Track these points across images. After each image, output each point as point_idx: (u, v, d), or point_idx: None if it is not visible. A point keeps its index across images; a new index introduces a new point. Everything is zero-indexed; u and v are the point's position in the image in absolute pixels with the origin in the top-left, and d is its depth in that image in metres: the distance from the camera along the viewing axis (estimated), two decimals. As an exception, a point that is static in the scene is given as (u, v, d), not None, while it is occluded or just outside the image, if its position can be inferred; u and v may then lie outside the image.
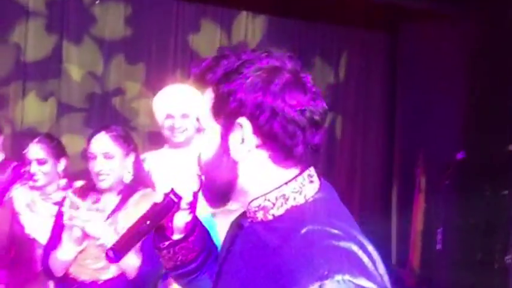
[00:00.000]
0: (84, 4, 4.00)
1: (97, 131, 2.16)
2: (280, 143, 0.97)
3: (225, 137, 0.99)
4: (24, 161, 2.50)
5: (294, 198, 0.99)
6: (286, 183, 0.99)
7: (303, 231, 0.92)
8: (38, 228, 2.34)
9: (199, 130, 1.06)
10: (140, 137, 3.99)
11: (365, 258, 0.90)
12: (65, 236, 2.00)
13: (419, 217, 4.63)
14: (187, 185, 1.11)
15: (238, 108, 0.96)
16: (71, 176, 2.61)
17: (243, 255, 1.01)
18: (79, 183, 2.34)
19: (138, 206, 2.04)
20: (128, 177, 2.15)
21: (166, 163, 2.48)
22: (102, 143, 2.11)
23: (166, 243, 1.15)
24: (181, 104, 2.46)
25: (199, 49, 4.33)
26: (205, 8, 4.34)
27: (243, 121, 0.96)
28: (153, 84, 4.00)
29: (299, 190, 0.99)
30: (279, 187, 0.99)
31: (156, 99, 2.59)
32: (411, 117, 4.80)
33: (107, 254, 1.07)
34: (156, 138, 3.96)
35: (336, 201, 1.04)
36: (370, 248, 0.93)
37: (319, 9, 4.43)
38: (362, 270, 0.88)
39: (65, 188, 2.44)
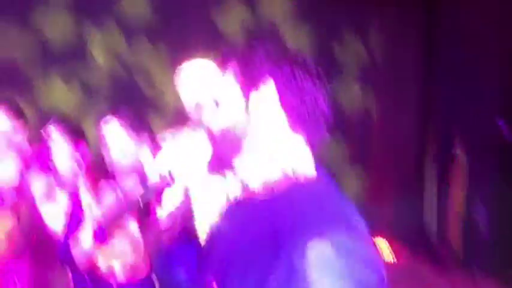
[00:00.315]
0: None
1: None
2: (295, 112, 1.04)
3: (247, 95, 1.05)
4: (42, 145, 2.45)
5: (297, 174, 1.05)
6: (291, 157, 1.05)
7: (300, 199, 0.98)
8: (54, 217, 2.29)
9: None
10: (168, 116, 3.93)
11: (359, 225, 0.97)
12: (83, 228, 1.94)
13: (458, 196, 4.43)
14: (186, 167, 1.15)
15: (267, 73, 1.04)
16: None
17: (236, 227, 1.07)
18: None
19: None
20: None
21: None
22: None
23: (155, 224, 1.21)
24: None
25: (222, 26, 4.19)
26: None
27: (270, 84, 1.03)
28: (177, 63, 3.93)
29: (302, 166, 1.05)
30: (284, 161, 1.05)
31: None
32: (448, 93, 4.56)
33: (94, 232, 1.02)
34: (184, 118, 3.92)
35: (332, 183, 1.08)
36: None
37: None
38: (358, 233, 0.95)
39: (83, 175, 2.37)
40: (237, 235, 1.06)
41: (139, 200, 1.09)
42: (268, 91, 1.04)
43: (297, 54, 1.08)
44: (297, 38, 4.40)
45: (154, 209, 1.20)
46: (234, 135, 1.06)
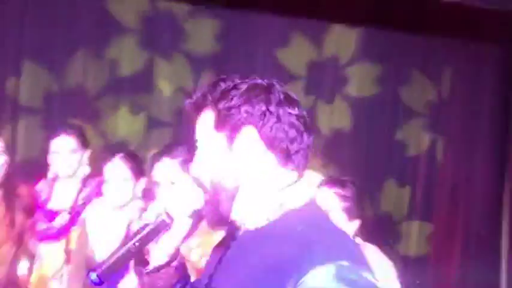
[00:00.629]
0: (176, 20, 4.04)
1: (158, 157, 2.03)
2: (282, 148, 1.06)
3: (230, 146, 1.06)
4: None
5: (290, 203, 1.06)
6: (283, 188, 1.07)
7: (299, 228, 1.00)
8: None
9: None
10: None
11: (360, 251, 1.03)
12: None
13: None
14: (183, 206, 1.15)
15: (244, 118, 1.05)
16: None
17: (237, 260, 1.06)
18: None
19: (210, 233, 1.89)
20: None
21: None
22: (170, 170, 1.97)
23: (150, 267, 1.16)
24: None
25: (287, 63, 4.20)
26: (295, 21, 4.20)
27: (251, 130, 1.05)
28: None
29: (295, 196, 1.07)
30: (277, 192, 1.07)
31: None
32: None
33: (88, 276, 1.01)
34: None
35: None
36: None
37: (419, 19, 4.09)
38: (360, 260, 0.98)
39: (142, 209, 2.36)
40: (238, 268, 1.05)
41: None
42: (250, 133, 1.06)
43: (272, 86, 1.09)
44: (363, 79, 4.32)
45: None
46: (225, 186, 1.07)
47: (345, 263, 0.93)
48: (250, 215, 1.08)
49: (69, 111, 3.79)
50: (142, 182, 2.44)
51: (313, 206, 1.11)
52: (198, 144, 1.11)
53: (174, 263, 1.18)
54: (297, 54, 4.22)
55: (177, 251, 1.18)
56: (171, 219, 1.13)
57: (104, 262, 1.04)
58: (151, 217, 1.12)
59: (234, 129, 1.06)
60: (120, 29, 3.95)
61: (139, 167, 2.48)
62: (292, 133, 1.07)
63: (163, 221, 1.12)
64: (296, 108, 1.09)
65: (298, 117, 1.08)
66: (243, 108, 1.05)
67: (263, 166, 1.06)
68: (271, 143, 1.06)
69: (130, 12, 3.97)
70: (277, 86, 1.09)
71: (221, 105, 1.06)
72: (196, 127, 1.12)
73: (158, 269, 1.15)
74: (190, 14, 4.04)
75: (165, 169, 1.97)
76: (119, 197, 2.39)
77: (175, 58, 4.03)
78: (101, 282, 1.02)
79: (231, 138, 1.06)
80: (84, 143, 2.79)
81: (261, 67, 4.14)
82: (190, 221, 1.15)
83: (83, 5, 3.89)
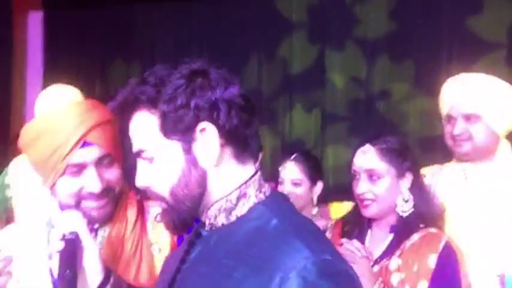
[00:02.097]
0: (345, 6, 3.77)
1: (362, 143, 1.69)
2: (239, 136, 0.96)
3: (188, 151, 0.95)
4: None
5: (256, 196, 0.98)
6: (246, 182, 0.98)
7: (272, 223, 0.93)
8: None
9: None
10: (411, 145, 3.44)
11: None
12: None
13: None
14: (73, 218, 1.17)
15: (196, 115, 0.93)
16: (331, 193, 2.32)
17: (206, 259, 0.97)
18: (336, 206, 2.08)
19: (418, 252, 1.53)
20: (403, 207, 1.61)
21: (454, 180, 1.87)
22: (368, 158, 1.64)
23: None
24: (467, 100, 1.81)
25: (482, 34, 3.47)
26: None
27: (207, 125, 0.94)
28: (424, 83, 3.44)
29: (258, 187, 0.99)
30: (239, 186, 0.98)
31: (441, 94, 1.94)
32: None
33: None
34: (431, 146, 3.37)
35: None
36: None
37: None
38: (336, 252, 0.93)
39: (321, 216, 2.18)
40: (207, 271, 0.95)
41: None
42: (208, 130, 0.94)
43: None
44: None
45: None
46: (184, 192, 0.98)
47: (327, 257, 0.87)
48: (215, 214, 0.98)
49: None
50: (319, 186, 2.20)
51: (277, 195, 1.02)
52: (143, 154, 0.98)
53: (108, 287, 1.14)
54: (493, 20, 3.46)
55: (107, 271, 1.15)
56: (74, 233, 1.13)
57: None
58: (56, 244, 1.11)
59: (188, 131, 0.94)
60: (290, 26, 3.88)
61: (314, 169, 2.25)
62: (245, 117, 0.96)
63: (68, 239, 1.11)
64: (237, 87, 0.97)
65: (243, 96, 0.96)
66: (192, 104, 0.93)
67: (224, 162, 0.96)
68: (230, 134, 0.95)
69: (298, 7, 3.87)
70: (212, 68, 0.97)
71: (164, 107, 0.93)
72: (131, 134, 1.00)
73: None
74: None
75: (366, 157, 1.67)
76: (295, 202, 2.22)
77: (346, 47, 3.76)
78: None
79: (186, 142, 0.95)
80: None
81: (448, 39, 3.54)
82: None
83: (254, 8, 3.95)
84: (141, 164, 0.99)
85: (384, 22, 3.68)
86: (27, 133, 1.36)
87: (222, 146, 0.95)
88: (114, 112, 1.01)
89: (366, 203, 1.60)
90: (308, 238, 0.89)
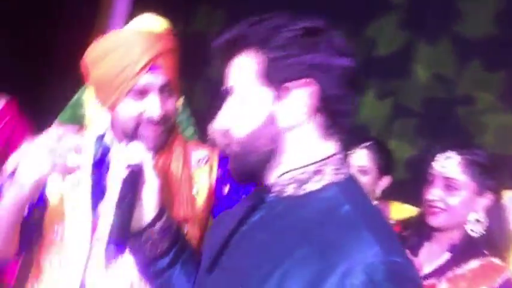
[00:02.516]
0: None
1: (444, 148, 1.62)
2: (333, 109, 0.91)
3: (277, 102, 0.91)
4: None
5: (333, 175, 0.94)
6: (325, 158, 0.94)
7: (345, 208, 0.88)
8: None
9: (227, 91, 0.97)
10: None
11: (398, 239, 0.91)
12: None
13: None
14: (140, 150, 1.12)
15: (304, 70, 0.89)
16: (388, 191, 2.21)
17: (267, 227, 0.93)
18: (397, 206, 1.98)
19: (473, 281, 1.43)
20: (474, 227, 1.51)
21: None
22: (450, 165, 1.56)
23: (134, 229, 1.09)
24: None
25: None
26: None
27: (307, 83, 0.89)
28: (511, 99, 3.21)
29: (337, 168, 0.94)
30: (318, 161, 0.94)
31: None
32: None
33: (107, 251, 0.98)
34: (503, 164, 3.15)
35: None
36: None
37: None
38: (405, 253, 0.87)
39: None
40: (267, 242, 0.91)
41: None
42: (311, 90, 0.90)
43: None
44: None
45: None
46: (268, 129, 0.95)
47: (398, 259, 0.82)
48: (285, 183, 0.94)
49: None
50: (386, 181, 2.10)
51: (353, 180, 0.97)
52: (231, 93, 0.96)
53: (159, 224, 1.11)
54: None
55: (162, 208, 1.13)
56: (139, 166, 1.12)
57: (112, 229, 1.01)
58: (120, 172, 1.10)
59: (285, 84, 0.90)
60: (386, 7, 3.67)
61: (385, 162, 2.13)
62: (347, 91, 0.92)
63: (134, 170, 1.11)
64: (351, 59, 0.93)
65: (352, 70, 0.93)
66: (303, 58, 0.88)
67: (307, 129, 0.92)
68: (325, 103, 0.90)
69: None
70: (332, 31, 0.94)
71: (272, 53, 0.89)
72: (228, 72, 0.97)
73: (142, 230, 1.10)
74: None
75: (448, 164, 1.59)
76: None
77: (439, 41, 3.52)
78: (121, 250, 1.00)
79: (279, 94, 0.90)
80: None
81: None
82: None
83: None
84: (227, 105, 0.96)
85: (486, 25, 3.41)
86: (94, 50, 1.32)
87: (312, 110, 0.90)
88: (219, 48, 0.98)
89: (434, 210, 1.48)
90: (380, 233, 0.85)
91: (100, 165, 1.39)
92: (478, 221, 1.48)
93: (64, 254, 1.33)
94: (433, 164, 1.55)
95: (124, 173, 1.11)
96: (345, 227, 0.85)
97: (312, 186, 0.93)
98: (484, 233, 1.47)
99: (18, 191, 1.19)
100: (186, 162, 1.41)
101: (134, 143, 1.23)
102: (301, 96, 0.90)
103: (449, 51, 3.50)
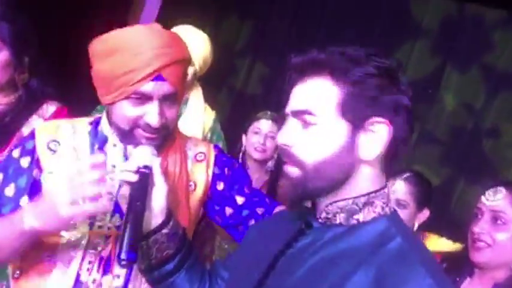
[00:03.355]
0: (484, 27, 3.47)
1: (495, 184, 1.57)
2: (396, 149, 0.95)
3: (353, 136, 0.94)
4: None
5: (382, 208, 0.96)
6: (377, 191, 0.97)
7: (397, 241, 0.90)
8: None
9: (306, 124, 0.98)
10: None
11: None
12: None
13: None
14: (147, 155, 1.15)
15: (378, 109, 0.92)
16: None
17: (318, 253, 0.94)
18: (433, 239, 1.94)
19: None
20: None
21: None
22: (499, 199, 1.51)
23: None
24: None
25: None
26: None
27: (384, 122, 0.92)
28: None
29: (386, 201, 0.97)
30: (369, 193, 0.96)
31: None
32: None
33: (119, 261, 0.99)
34: None
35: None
36: None
37: None
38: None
39: None
40: (316, 269, 0.93)
41: None
42: (382, 129, 0.94)
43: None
44: None
45: None
46: (342, 159, 0.98)
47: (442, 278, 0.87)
48: (336, 211, 0.97)
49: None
50: (424, 214, 2.04)
51: (397, 214, 1.00)
52: (307, 116, 0.95)
53: (166, 229, 1.11)
54: None
55: (169, 212, 1.13)
56: (149, 168, 1.12)
57: (123, 238, 1.01)
58: (133, 177, 1.10)
59: (363, 119, 0.92)
60: (417, 32, 3.64)
61: (424, 195, 2.06)
62: (409, 133, 0.96)
63: (143, 172, 1.10)
64: (409, 99, 0.96)
65: (411, 111, 0.96)
66: (379, 98, 0.91)
67: (374, 166, 0.96)
68: (396, 141, 0.93)
69: (433, 13, 3.61)
70: (400, 69, 0.96)
71: (351, 87, 0.91)
72: (301, 94, 0.97)
73: (149, 235, 1.11)
74: (503, 22, 3.40)
75: (494, 198, 1.55)
76: None
77: (470, 70, 3.47)
78: (133, 258, 1.00)
79: (355, 128, 0.93)
80: None
81: None
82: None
83: (386, 5, 3.74)
84: (293, 123, 0.97)
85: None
86: (103, 43, 1.28)
87: (386, 148, 0.93)
88: (294, 67, 0.98)
89: (479, 245, 1.44)
90: (431, 266, 0.88)
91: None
92: None
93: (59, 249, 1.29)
94: (481, 198, 1.51)
95: (133, 177, 1.09)
96: (398, 259, 0.87)
97: (363, 217, 0.96)
98: None
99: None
100: (182, 159, 1.40)
101: (143, 146, 1.21)
102: (382, 133, 0.92)
103: (479, 81, 3.44)
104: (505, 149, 3.32)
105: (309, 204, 1.05)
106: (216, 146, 1.53)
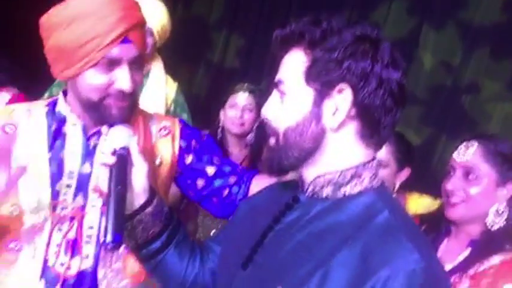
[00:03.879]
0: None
1: (468, 139, 1.54)
2: (373, 118, 0.93)
3: (318, 103, 0.94)
4: None
5: (369, 181, 0.96)
6: (364, 163, 0.97)
7: (384, 215, 0.90)
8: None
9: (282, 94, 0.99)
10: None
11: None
12: None
13: None
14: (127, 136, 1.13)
15: (343, 75, 0.91)
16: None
17: (305, 228, 0.95)
18: (414, 198, 1.94)
19: (494, 278, 1.36)
20: (494, 219, 1.45)
21: None
22: (470, 154, 1.49)
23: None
24: None
25: None
26: None
27: (346, 89, 0.92)
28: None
29: (374, 173, 0.97)
30: (357, 166, 0.96)
31: None
32: None
33: (105, 246, 0.98)
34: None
35: None
36: None
37: None
38: (440, 261, 0.94)
39: None
40: (304, 243, 0.94)
41: None
42: (345, 94, 0.93)
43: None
44: None
45: None
46: (309, 127, 0.98)
47: (434, 264, 0.88)
48: (323, 184, 0.96)
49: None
50: (405, 173, 2.03)
51: (385, 186, 1.00)
52: (281, 86, 0.98)
53: (150, 208, 1.11)
54: None
55: (152, 191, 1.12)
56: (126, 149, 1.10)
57: (107, 222, 1.00)
58: (107, 157, 1.08)
59: (328, 86, 0.93)
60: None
61: (404, 154, 2.04)
62: (390, 103, 0.94)
63: (120, 154, 1.09)
64: (400, 73, 0.95)
65: (400, 85, 0.95)
66: (345, 64, 0.90)
67: (341, 134, 0.94)
68: (364, 110, 0.93)
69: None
70: (386, 42, 0.95)
71: (319, 54, 0.92)
72: (281, 65, 1.00)
73: (133, 215, 1.10)
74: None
75: (464, 153, 1.54)
76: None
77: (446, 27, 3.46)
78: (118, 243, 1.00)
79: (320, 95, 0.93)
80: None
81: None
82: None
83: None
84: (274, 96, 0.99)
85: (494, 12, 3.34)
86: (58, 14, 1.24)
87: (350, 116, 0.93)
88: (277, 39, 0.99)
89: (454, 201, 1.45)
90: (418, 240, 0.88)
91: (57, 136, 1.34)
92: (499, 212, 1.43)
93: (23, 235, 1.28)
94: (454, 154, 1.51)
95: (111, 159, 1.08)
96: (385, 233, 0.88)
97: (350, 189, 0.95)
98: (505, 223, 1.41)
99: None
100: (146, 135, 1.39)
101: (118, 127, 1.20)
102: (341, 101, 0.92)
103: (455, 38, 3.44)
104: (485, 104, 3.35)
105: (297, 178, 1.06)
106: (181, 120, 1.53)
